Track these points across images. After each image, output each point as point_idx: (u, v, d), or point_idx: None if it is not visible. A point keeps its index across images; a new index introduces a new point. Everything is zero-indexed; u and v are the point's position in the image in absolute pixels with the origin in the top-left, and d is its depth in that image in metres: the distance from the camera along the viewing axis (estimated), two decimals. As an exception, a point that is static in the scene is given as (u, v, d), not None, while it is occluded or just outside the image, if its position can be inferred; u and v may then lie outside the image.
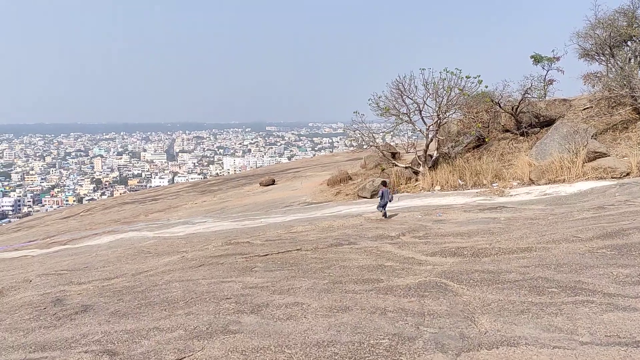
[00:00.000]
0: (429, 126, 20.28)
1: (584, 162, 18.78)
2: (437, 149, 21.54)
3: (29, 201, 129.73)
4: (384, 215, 13.20)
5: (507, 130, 22.87)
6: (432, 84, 18.84)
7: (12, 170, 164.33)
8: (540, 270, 5.52)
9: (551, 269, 5.57)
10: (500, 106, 21.55)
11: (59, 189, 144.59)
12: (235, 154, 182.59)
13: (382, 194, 13.54)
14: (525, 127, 21.79)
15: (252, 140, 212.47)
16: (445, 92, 18.78)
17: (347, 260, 7.40)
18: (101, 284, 8.88)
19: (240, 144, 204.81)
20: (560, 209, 11.94)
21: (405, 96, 19.91)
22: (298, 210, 19.89)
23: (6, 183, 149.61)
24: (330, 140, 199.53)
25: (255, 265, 7.92)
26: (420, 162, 21.43)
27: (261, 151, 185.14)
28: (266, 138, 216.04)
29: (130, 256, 12.09)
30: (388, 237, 9.98)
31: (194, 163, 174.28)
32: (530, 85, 21.25)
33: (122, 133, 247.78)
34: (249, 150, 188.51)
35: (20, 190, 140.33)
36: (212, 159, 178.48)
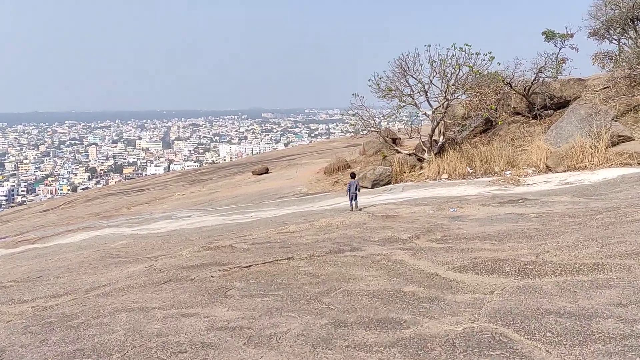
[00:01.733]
0: (435, 109, 18.44)
1: (606, 147, 17.03)
2: (443, 133, 19.72)
3: (23, 190, 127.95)
4: (352, 208, 13.05)
5: (517, 113, 21.07)
6: (439, 62, 16.96)
7: (5, 159, 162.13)
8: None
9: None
10: (511, 86, 19.69)
11: (53, 178, 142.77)
12: (232, 141, 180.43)
13: (349, 186, 13.37)
14: (538, 109, 19.97)
15: (248, 127, 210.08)
16: (453, 70, 16.90)
17: (351, 281, 5.63)
18: (44, 304, 7.13)
19: (236, 131, 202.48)
20: (596, 203, 10.19)
21: (409, 76, 18.05)
22: (292, 202, 18.13)
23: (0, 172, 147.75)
24: (326, 127, 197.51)
25: (232, 284, 6.16)
26: (425, 149, 19.62)
27: (257, 138, 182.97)
28: (262, 125, 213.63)
29: (94, 262, 10.31)
30: (399, 240, 8.22)
31: (190, 151, 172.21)
32: (544, 63, 19.40)
33: (117, 121, 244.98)
34: (245, 137, 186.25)
35: (14, 179, 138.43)
36: (208, 147, 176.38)
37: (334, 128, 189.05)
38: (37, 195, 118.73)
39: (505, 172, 17.50)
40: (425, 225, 9.27)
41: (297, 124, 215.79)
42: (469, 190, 15.20)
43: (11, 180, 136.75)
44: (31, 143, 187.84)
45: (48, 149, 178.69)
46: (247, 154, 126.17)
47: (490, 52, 16.77)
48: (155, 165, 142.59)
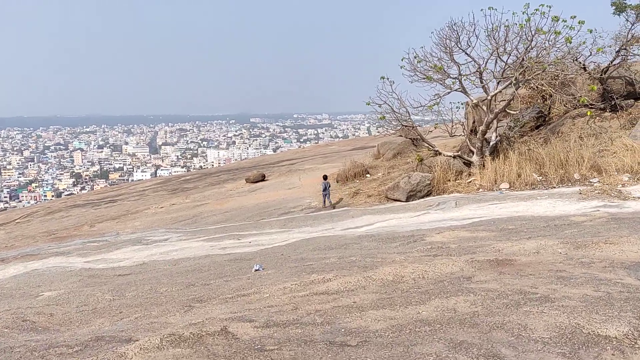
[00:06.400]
0: (492, 96, 13.94)
1: None
2: (496, 129, 15.27)
3: (6, 197, 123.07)
4: (331, 205, 15.11)
5: (585, 105, 16.63)
6: (505, 28, 12.44)
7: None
8: None
9: None
10: (585, 69, 15.29)
11: (37, 184, 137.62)
12: (220, 146, 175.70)
13: (323, 185, 15.48)
14: (616, 99, 15.59)
15: (236, 132, 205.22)
16: (528, 40, 12.39)
17: None
18: None
19: (224, 135, 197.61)
20: None
21: (459, 51, 13.53)
22: (303, 220, 13.56)
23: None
24: (315, 132, 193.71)
25: None
26: (474, 149, 15.14)
27: (246, 143, 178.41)
28: (251, 130, 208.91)
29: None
30: (601, 341, 3.68)
31: (178, 156, 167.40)
32: (629, 37, 15.00)
33: (103, 126, 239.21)
34: (234, 142, 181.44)
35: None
36: (195, 152, 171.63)
37: (323, 133, 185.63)
38: (20, 201, 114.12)
39: (592, 180, 13.08)
40: (608, 291, 4.74)
41: (286, 129, 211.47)
42: (562, 207, 10.73)
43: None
44: (15, 148, 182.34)
45: (32, 154, 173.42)
46: (236, 159, 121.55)
47: (575, 17, 12.35)
48: (142, 171, 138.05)
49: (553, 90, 13.71)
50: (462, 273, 5.76)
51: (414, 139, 21.50)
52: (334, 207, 15.01)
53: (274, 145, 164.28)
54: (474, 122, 19.95)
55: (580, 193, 11.77)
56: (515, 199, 12.25)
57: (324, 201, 15.34)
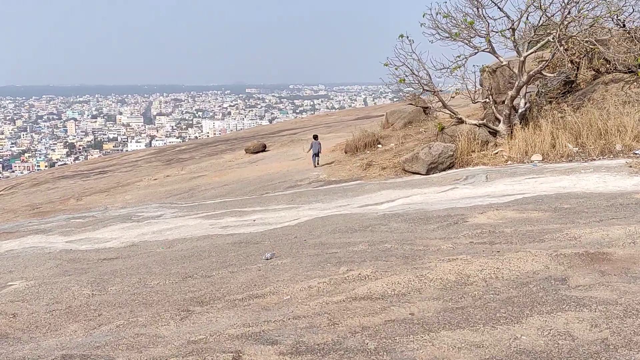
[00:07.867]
0: (525, 56, 12.39)
1: None
2: (524, 95, 13.77)
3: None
4: (316, 163, 15.90)
5: (619, 69, 15.08)
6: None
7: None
8: None
9: None
10: (624, 26, 13.70)
11: (30, 154, 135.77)
12: (215, 116, 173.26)
13: (312, 145, 16.21)
14: (657, 62, 14.02)
15: (231, 102, 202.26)
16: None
17: None
18: None
19: (219, 106, 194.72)
20: None
21: (488, 4, 11.93)
22: (312, 195, 12.14)
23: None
24: (311, 103, 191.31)
25: None
26: (501, 117, 13.65)
27: (241, 114, 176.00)
28: (246, 100, 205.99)
29: None
30: None
31: (172, 126, 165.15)
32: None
33: (96, 95, 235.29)
34: (229, 113, 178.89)
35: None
36: (190, 122, 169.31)
37: (319, 104, 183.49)
38: (13, 171, 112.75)
39: (636, 151, 11.66)
40: None
41: (282, 100, 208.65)
42: (614, 182, 9.32)
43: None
44: (7, 118, 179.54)
45: (25, 124, 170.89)
46: (232, 130, 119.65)
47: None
48: (137, 142, 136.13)
49: (602, 49, 12.15)
50: (549, 272, 4.35)
51: (425, 107, 19.98)
52: (315, 165, 15.91)
53: (270, 116, 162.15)
54: (490, 89, 18.42)
55: (630, 166, 10.37)
56: (555, 172, 10.83)
57: (314, 160, 16.12)
